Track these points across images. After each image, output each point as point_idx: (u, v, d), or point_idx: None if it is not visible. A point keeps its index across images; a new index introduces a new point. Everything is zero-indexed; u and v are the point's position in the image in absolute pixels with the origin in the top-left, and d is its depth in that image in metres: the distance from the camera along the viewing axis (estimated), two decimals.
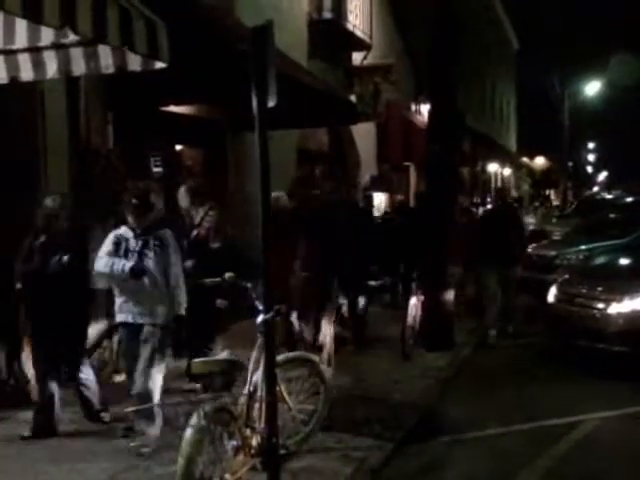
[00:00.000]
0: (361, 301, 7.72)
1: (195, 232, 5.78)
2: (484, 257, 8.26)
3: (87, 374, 5.00)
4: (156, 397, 4.59)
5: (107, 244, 4.72)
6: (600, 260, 9.80)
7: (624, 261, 8.45)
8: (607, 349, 6.63)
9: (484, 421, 5.42)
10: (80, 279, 4.86)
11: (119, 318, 4.77)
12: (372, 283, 8.08)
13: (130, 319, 4.68)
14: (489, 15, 28.98)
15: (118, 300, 4.74)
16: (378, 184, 14.45)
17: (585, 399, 5.94)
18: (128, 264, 4.57)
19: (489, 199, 23.24)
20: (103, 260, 4.65)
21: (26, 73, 4.40)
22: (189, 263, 5.39)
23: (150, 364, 4.57)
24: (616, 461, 4.69)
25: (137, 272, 4.57)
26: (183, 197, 5.96)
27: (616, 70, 32.24)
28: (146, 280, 4.59)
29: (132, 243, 4.67)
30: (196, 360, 3.81)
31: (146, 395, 4.52)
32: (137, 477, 4.20)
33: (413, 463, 4.65)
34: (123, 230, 4.78)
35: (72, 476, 4.23)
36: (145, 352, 4.59)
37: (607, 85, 32.98)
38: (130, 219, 4.72)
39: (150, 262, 4.61)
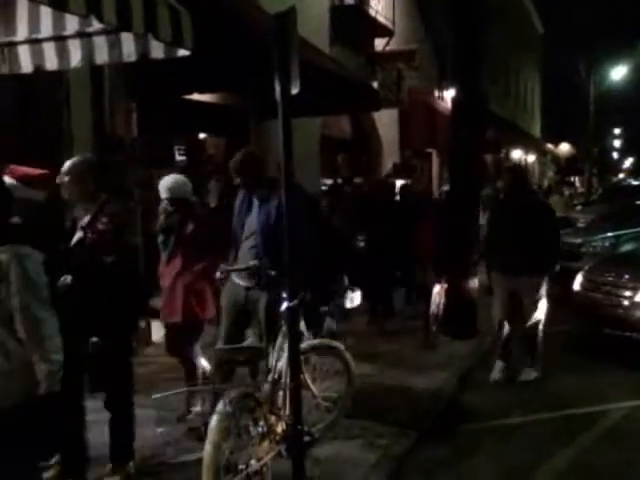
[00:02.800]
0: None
1: (80, 234, 3.82)
2: (492, 260, 6.46)
3: None
4: None
5: None
6: (627, 247, 9.68)
7: None
8: (634, 337, 6.54)
9: (509, 409, 5.39)
10: None
11: None
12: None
13: None
14: None
15: None
16: (401, 171, 14.38)
17: (612, 388, 5.88)
18: None
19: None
20: None
21: (51, 62, 4.42)
22: (64, 280, 3.63)
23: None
24: None
25: None
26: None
27: None
28: None
29: None
30: (220, 347, 3.82)
31: None
32: (165, 463, 4.25)
33: (438, 451, 4.64)
34: None
35: None
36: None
37: (634, 69, 32.38)
38: None
39: None
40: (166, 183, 4.83)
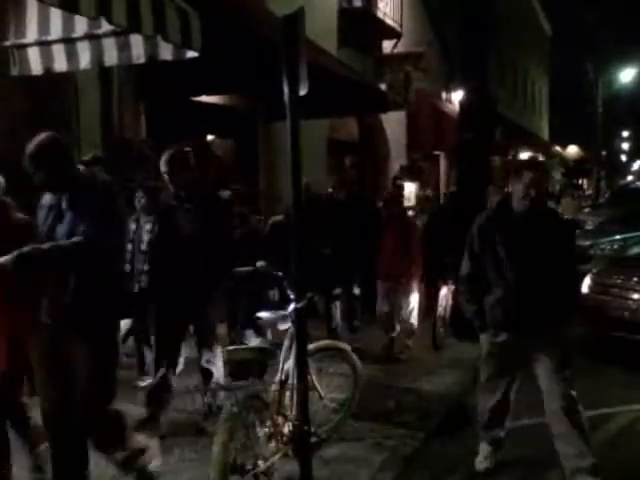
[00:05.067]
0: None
1: None
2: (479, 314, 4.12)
3: None
4: None
5: None
6: (635, 250, 9.63)
7: None
8: None
9: (517, 411, 5.36)
10: None
11: None
12: None
13: None
14: (521, 0, 28.52)
15: None
16: (408, 173, 14.38)
17: (621, 391, 5.84)
18: None
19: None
20: None
21: (60, 64, 4.46)
22: None
23: None
24: None
25: None
26: None
27: None
28: None
29: None
30: (229, 348, 3.83)
31: None
32: (173, 463, 4.26)
33: (445, 452, 4.63)
34: None
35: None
36: None
37: None
38: None
39: None
40: None
